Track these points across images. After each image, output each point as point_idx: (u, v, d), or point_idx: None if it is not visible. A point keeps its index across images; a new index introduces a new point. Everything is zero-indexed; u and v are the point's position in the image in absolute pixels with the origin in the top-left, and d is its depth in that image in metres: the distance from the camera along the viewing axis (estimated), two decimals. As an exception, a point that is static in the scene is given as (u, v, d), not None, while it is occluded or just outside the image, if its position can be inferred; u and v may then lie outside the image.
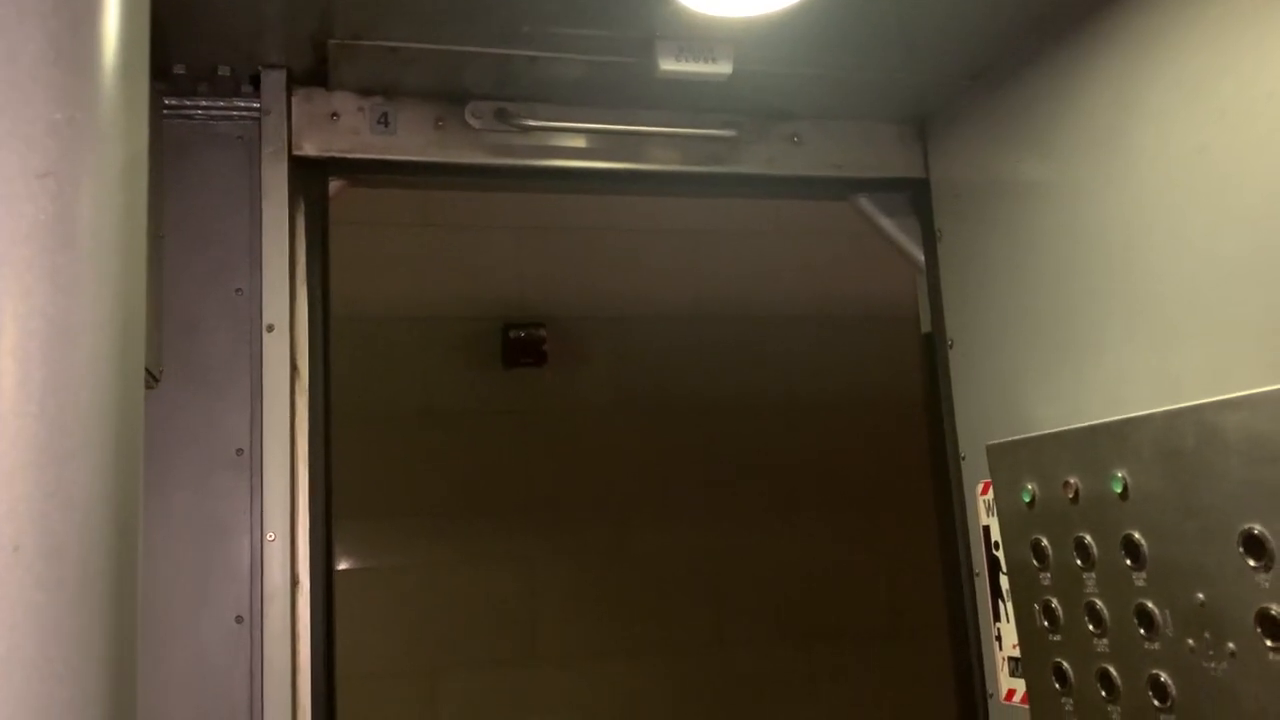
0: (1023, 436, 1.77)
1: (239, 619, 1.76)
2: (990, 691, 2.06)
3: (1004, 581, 1.95)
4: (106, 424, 0.72)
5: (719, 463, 3.89)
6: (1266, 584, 1.31)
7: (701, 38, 1.85)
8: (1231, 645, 1.36)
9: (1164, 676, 1.47)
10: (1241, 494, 1.34)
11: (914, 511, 2.68)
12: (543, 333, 3.75)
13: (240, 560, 1.78)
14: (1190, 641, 1.43)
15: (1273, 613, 1.30)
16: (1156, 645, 1.48)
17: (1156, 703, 1.48)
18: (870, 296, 3.84)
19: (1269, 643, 1.30)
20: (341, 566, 3.53)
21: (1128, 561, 1.52)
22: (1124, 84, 1.72)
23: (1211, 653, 1.40)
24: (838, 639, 3.90)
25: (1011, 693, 1.98)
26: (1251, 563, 1.32)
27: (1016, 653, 1.86)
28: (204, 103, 1.92)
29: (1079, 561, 1.62)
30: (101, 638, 0.70)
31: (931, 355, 2.24)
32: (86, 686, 0.70)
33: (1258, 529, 1.32)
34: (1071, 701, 1.66)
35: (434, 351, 3.72)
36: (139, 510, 0.79)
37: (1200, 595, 1.41)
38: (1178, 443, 1.44)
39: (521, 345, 3.74)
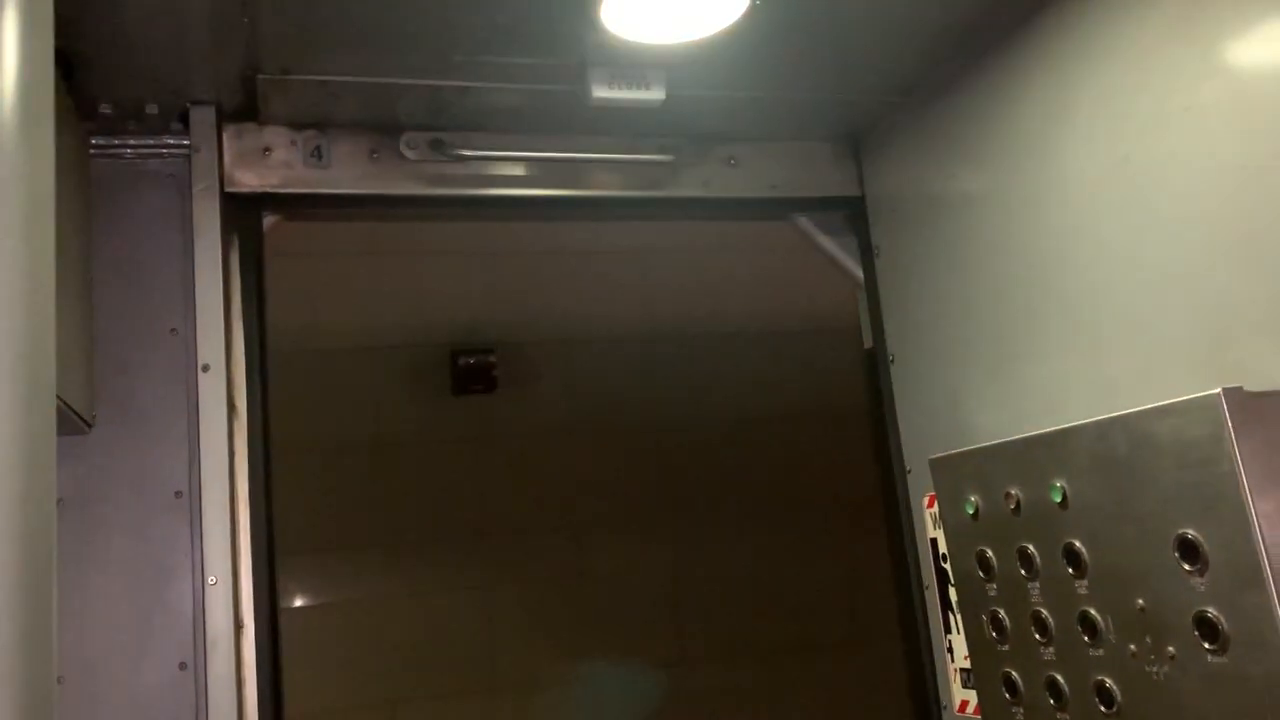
0: (963, 450, 1.79)
1: (183, 666, 1.73)
2: (944, 703, 2.07)
3: (953, 593, 1.96)
4: (13, 490, 0.70)
5: (674, 480, 3.89)
6: (1202, 587, 1.33)
7: (633, 65, 1.85)
8: (1171, 649, 1.38)
9: (1109, 682, 1.49)
10: (1174, 498, 1.36)
11: (870, 522, 2.69)
12: (492, 358, 3.72)
13: (182, 605, 1.75)
14: (1132, 647, 1.45)
15: (1209, 615, 1.32)
16: (1100, 652, 1.50)
17: (1103, 708, 1.50)
18: (818, 310, 3.85)
19: (1207, 645, 1.32)
20: (295, 603, 3.47)
21: (1069, 570, 1.54)
22: (1050, 98, 1.75)
23: (1153, 657, 1.41)
24: (798, 652, 3.90)
25: (965, 704, 2.00)
26: (1186, 567, 1.34)
27: (968, 664, 1.87)
28: (133, 141, 1.90)
29: (1023, 571, 1.63)
30: (13, 714, 0.68)
31: (874, 370, 2.26)
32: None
33: (1191, 533, 1.34)
34: (1022, 710, 1.67)
35: (382, 381, 3.68)
36: (53, 578, 0.77)
37: (1140, 601, 1.43)
38: (1112, 451, 1.46)
39: (471, 372, 3.71)
